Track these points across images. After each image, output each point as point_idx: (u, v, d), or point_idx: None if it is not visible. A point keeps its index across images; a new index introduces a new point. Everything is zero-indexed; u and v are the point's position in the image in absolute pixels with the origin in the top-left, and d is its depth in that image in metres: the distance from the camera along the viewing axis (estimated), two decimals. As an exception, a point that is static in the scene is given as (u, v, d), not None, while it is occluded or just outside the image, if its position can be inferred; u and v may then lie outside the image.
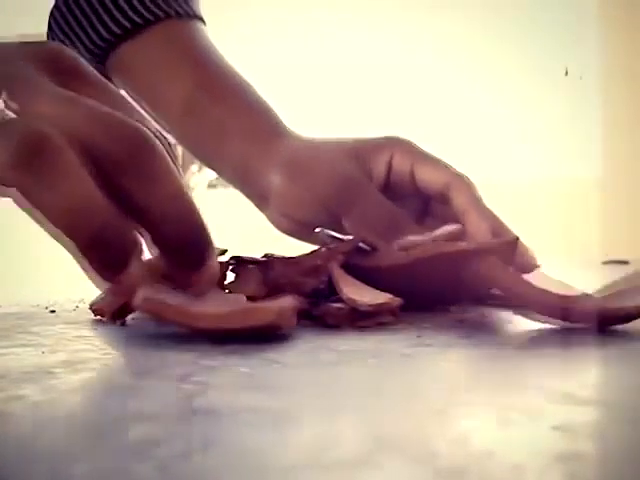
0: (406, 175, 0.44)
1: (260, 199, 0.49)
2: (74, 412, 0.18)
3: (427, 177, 0.43)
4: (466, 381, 0.21)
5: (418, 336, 0.30)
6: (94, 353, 0.28)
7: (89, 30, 0.56)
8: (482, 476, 0.13)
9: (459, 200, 0.42)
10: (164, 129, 0.55)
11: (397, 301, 0.32)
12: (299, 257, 0.36)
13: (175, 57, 0.53)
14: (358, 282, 0.34)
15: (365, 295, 0.32)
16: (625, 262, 0.73)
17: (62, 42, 0.57)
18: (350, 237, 0.39)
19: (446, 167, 0.44)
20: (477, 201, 0.42)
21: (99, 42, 0.57)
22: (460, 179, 0.43)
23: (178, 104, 0.54)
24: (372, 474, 0.14)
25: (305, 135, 0.49)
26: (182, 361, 0.25)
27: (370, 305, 0.31)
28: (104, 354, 0.27)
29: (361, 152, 0.45)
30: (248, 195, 0.52)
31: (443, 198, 0.43)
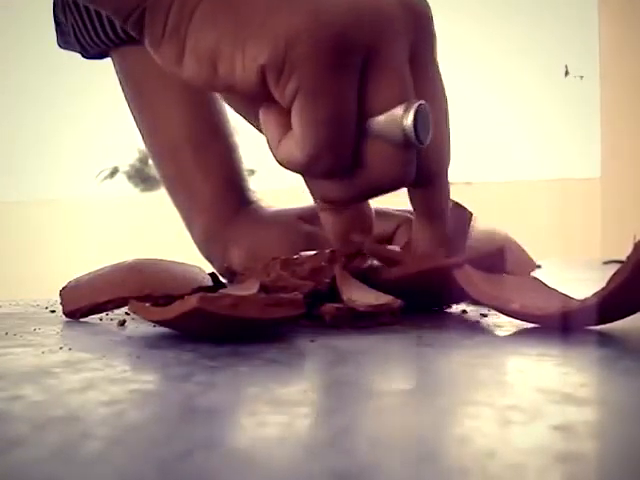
0: None
1: None
2: (74, 412, 0.18)
3: (378, 230, 0.41)
4: (466, 381, 0.21)
5: (418, 336, 0.30)
6: (94, 353, 0.28)
7: (90, 30, 0.56)
8: (482, 476, 0.13)
9: (401, 242, 0.42)
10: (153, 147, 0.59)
11: (398, 302, 0.32)
12: (302, 258, 0.36)
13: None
14: (361, 284, 0.34)
15: (366, 297, 0.32)
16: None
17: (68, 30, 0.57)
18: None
19: (393, 215, 0.46)
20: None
21: (99, 42, 0.57)
22: (406, 222, 0.45)
23: (179, 133, 0.57)
24: (372, 474, 0.14)
25: None
26: (182, 361, 0.25)
27: (370, 306, 0.31)
28: (104, 354, 0.27)
29: None
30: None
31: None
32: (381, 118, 0.29)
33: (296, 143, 0.30)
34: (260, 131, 0.34)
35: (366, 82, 0.29)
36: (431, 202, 0.34)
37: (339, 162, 0.30)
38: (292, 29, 0.28)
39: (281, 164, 0.32)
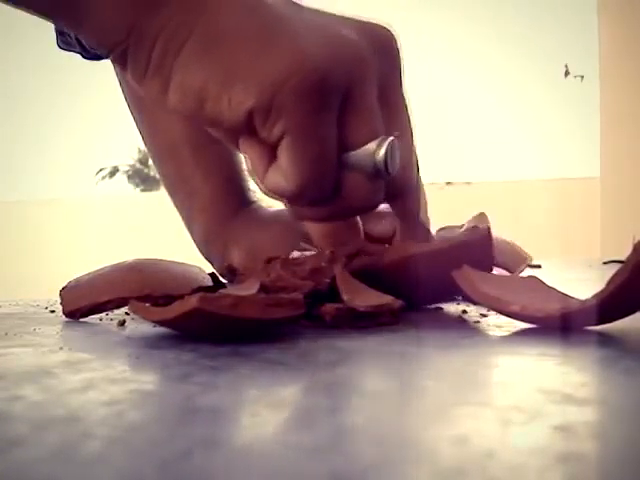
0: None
1: None
2: (74, 412, 0.18)
3: (378, 229, 0.46)
4: (466, 381, 0.21)
5: (418, 336, 0.30)
6: (94, 353, 0.28)
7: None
8: (482, 476, 0.13)
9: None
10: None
11: (398, 303, 0.32)
12: (302, 258, 0.36)
13: None
14: (361, 285, 0.34)
15: (367, 298, 0.32)
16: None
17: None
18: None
19: (393, 215, 0.47)
20: None
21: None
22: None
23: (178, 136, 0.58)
24: (372, 475, 0.14)
25: None
26: (182, 361, 0.25)
27: (370, 306, 0.31)
28: (104, 354, 0.27)
29: None
30: None
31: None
32: (356, 152, 0.32)
33: (283, 176, 0.33)
34: (235, 149, 0.36)
35: (343, 120, 0.32)
36: (403, 209, 0.38)
37: (323, 193, 0.33)
38: (279, 74, 0.30)
39: (266, 193, 0.35)
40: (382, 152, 0.32)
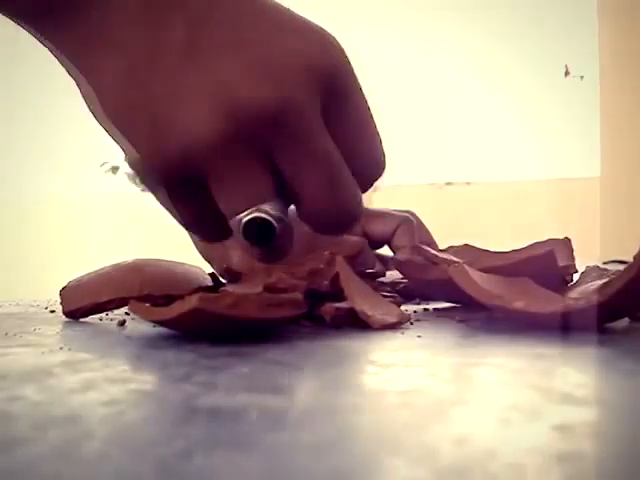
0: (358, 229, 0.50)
1: None
2: (74, 412, 0.18)
3: (378, 230, 0.50)
4: (466, 381, 0.21)
5: (418, 336, 0.30)
6: (94, 353, 0.28)
7: None
8: (482, 476, 0.13)
9: (400, 242, 0.49)
10: None
11: (407, 316, 0.33)
12: (302, 259, 0.36)
13: None
14: (367, 287, 0.34)
15: (376, 309, 0.32)
16: (625, 262, 0.73)
17: None
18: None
19: (393, 216, 0.51)
20: (414, 240, 0.48)
21: None
22: (406, 222, 0.50)
23: None
24: (372, 474, 0.14)
25: None
26: (182, 361, 0.25)
27: (384, 325, 0.31)
28: (104, 354, 0.27)
29: None
30: None
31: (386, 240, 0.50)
32: (233, 220, 0.32)
33: None
34: None
35: (214, 192, 0.32)
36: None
37: (210, 238, 0.36)
38: (132, 163, 0.32)
39: None
40: (240, 229, 0.32)
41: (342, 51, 0.32)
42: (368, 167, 0.34)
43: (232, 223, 0.32)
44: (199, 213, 0.34)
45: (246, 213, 0.31)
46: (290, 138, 0.31)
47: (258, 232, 0.32)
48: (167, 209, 0.35)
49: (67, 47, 0.32)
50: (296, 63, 0.30)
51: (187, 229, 0.35)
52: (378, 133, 0.35)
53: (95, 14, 0.31)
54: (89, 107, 0.33)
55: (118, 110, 0.31)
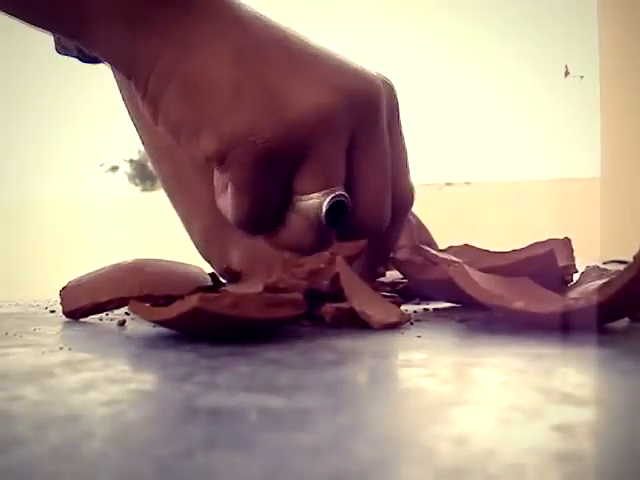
0: None
1: None
2: (74, 412, 0.18)
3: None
4: (466, 381, 0.21)
5: (418, 336, 0.30)
6: (94, 353, 0.28)
7: None
8: (482, 476, 0.13)
9: (400, 242, 0.47)
10: None
11: (407, 317, 0.33)
12: (302, 259, 0.36)
13: None
14: (366, 287, 0.34)
15: (376, 309, 0.32)
16: (625, 262, 0.73)
17: None
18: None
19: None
20: (414, 240, 0.49)
21: None
22: (406, 222, 0.48)
23: None
24: (372, 474, 0.14)
25: None
26: (182, 361, 0.25)
27: (384, 325, 0.31)
28: (104, 354, 0.27)
29: None
30: None
31: None
32: (303, 200, 0.34)
33: (228, 207, 0.36)
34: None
35: (297, 171, 0.34)
36: (370, 249, 0.38)
37: (259, 230, 0.37)
38: (236, 133, 0.33)
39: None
40: (324, 207, 0.34)
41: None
42: (400, 193, 0.37)
43: (305, 204, 0.34)
44: (271, 195, 0.35)
45: (329, 191, 0.34)
46: (373, 133, 0.35)
47: (334, 214, 0.34)
48: (218, 204, 0.37)
49: (169, 41, 0.34)
50: (375, 77, 0.36)
51: (240, 222, 0.36)
52: (409, 170, 0.38)
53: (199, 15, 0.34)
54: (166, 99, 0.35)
55: (230, 86, 0.33)
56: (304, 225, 0.35)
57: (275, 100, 0.33)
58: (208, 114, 0.34)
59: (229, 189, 0.36)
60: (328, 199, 0.34)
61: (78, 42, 0.36)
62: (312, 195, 0.34)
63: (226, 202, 0.36)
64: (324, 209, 0.34)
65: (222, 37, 0.34)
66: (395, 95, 0.38)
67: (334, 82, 0.34)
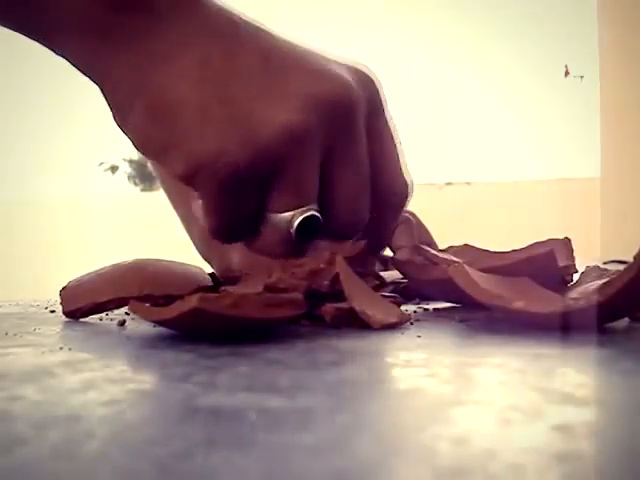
0: None
1: None
2: (74, 412, 0.18)
3: None
4: (466, 381, 0.21)
5: (418, 336, 0.30)
6: (94, 353, 0.28)
7: None
8: (482, 476, 0.13)
9: (400, 242, 0.48)
10: None
11: (406, 317, 0.33)
12: (302, 260, 0.36)
13: None
14: (366, 287, 0.34)
15: (376, 309, 0.32)
16: (625, 262, 0.73)
17: None
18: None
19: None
20: (414, 240, 0.49)
21: None
22: (405, 222, 0.50)
23: None
24: (372, 474, 0.14)
25: None
26: (182, 361, 0.25)
27: (384, 325, 0.31)
28: (104, 354, 0.27)
29: None
30: None
31: None
32: (276, 216, 0.35)
33: (202, 217, 0.36)
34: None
35: (269, 188, 0.34)
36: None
37: (232, 240, 0.37)
38: (202, 158, 0.33)
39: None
40: (294, 224, 0.34)
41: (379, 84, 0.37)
42: (389, 185, 0.37)
43: (277, 219, 0.34)
44: (241, 213, 0.35)
45: (300, 211, 0.34)
46: (347, 139, 0.35)
47: (306, 229, 0.34)
48: (194, 212, 0.37)
49: (134, 55, 0.34)
50: (353, 79, 0.35)
51: (215, 232, 0.36)
52: (400, 159, 0.38)
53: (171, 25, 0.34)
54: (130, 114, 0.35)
55: (195, 108, 0.33)
56: (277, 238, 0.35)
57: (243, 122, 0.33)
58: (175, 136, 0.34)
59: (200, 202, 0.36)
60: (299, 218, 0.34)
61: (53, 51, 0.36)
62: (285, 214, 0.34)
63: (199, 211, 0.36)
64: (294, 226, 0.34)
65: (190, 47, 0.33)
66: (375, 87, 0.37)
67: (306, 93, 0.33)
